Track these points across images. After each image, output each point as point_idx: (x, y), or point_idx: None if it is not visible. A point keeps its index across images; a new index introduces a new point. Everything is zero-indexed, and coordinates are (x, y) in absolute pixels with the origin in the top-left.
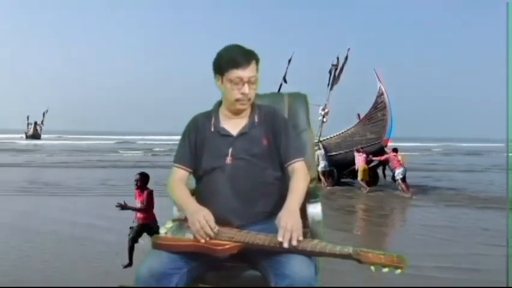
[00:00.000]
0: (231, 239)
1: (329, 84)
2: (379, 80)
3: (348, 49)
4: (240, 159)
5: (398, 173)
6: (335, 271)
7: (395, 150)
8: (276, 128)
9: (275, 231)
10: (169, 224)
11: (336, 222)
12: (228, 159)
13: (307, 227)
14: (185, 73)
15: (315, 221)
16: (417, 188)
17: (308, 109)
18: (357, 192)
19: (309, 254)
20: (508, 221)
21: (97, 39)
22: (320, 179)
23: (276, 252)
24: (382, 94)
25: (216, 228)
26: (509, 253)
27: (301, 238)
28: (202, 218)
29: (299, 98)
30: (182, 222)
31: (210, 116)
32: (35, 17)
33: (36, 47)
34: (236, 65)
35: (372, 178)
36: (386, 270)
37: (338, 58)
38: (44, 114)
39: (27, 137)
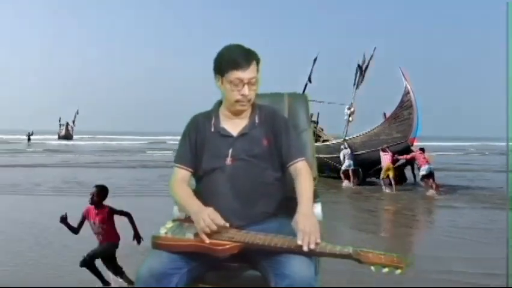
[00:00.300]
0: (231, 239)
1: (354, 84)
2: (405, 78)
3: (375, 48)
4: (240, 160)
5: (423, 169)
6: (335, 271)
7: (421, 149)
8: (276, 129)
9: (275, 231)
10: (169, 224)
11: (359, 223)
12: (228, 160)
13: None
14: None
15: None
16: (449, 188)
17: (308, 109)
18: (382, 191)
19: (309, 254)
20: (508, 221)
21: (129, 39)
22: (340, 178)
23: (276, 252)
24: (408, 93)
25: (224, 223)
26: (509, 253)
27: (319, 241)
28: (206, 217)
29: (299, 98)
30: (182, 222)
31: (210, 116)
32: (63, 18)
33: (66, 48)
34: (236, 66)
35: (398, 177)
36: (386, 270)
37: (364, 57)
38: (75, 115)
39: (60, 138)
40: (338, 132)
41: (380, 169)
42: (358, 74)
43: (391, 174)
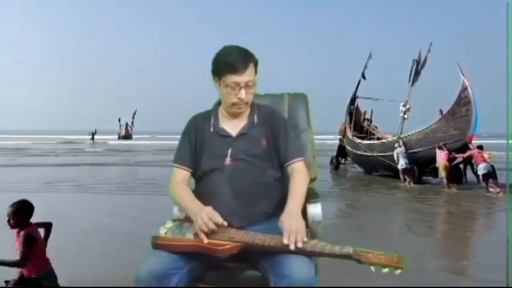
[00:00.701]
0: (231, 239)
1: (410, 80)
2: (462, 74)
3: (431, 43)
4: (239, 160)
5: (481, 168)
6: (335, 271)
7: (480, 147)
8: (275, 129)
9: (275, 231)
10: (169, 224)
11: (413, 224)
12: (227, 160)
13: (307, 227)
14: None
15: (315, 221)
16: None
17: (308, 109)
18: (438, 190)
19: (309, 254)
20: (509, 221)
21: (190, 36)
22: (396, 177)
23: (276, 252)
24: (466, 89)
25: (222, 221)
26: (509, 253)
27: (305, 239)
28: (205, 215)
29: (299, 98)
30: (182, 222)
31: (209, 116)
32: (115, 16)
33: (122, 46)
34: (233, 70)
35: (456, 176)
36: (386, 270)
37: (419, 53)
38: (133, 115)
39: (120, 138)
40: (393, 131)
41: (436, 167)
42: (414, 70)
43: (445, 173)
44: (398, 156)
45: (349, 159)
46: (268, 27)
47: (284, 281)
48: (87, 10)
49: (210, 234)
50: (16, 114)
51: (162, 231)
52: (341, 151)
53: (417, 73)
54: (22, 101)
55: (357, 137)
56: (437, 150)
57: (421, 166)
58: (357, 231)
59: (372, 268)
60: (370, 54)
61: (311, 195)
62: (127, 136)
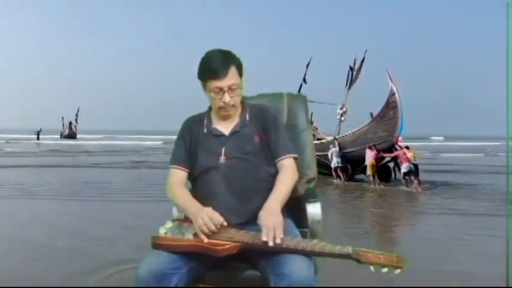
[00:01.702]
0: (230, 239)
1: (347, 85)
2: (391, 80)
3: (366, 51)
4: (233, 158)
5: (403, 167)
6: (335, 271)
7: (406, 147)
8: (266, 125)
9: None
10: (169, 224)
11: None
12: (222, 159)
13: (307, 227)
14: None
15: (315, 221)
16: (431, 185)
17: (307, 109)
18: (367, 187)
19: (309, 254)
20: (509, 220)
21: (135, 35)
22: (332, 175)
23: (276, 252)
24: (394, 94)
25: (222, 221)
26: (509, 253)
27: (282, 235)
28: (205, 215)
29: (298, 98)
30: (181, 222)
31: (202, 118)
32: (64, 16)
33: (67, 46)
34: (214, 76)
35: (385, 174)
36: (385, 270)
37: (355, 60)
38: (77, 114)
39: (64, 137)
40: (332, 132)
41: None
42: (349, 76)
43: (372, 171)
44: (331, 155)
45: None
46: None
47: (284, 281)
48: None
49: (209, 233)
50: None
51: (162, 231)
52: None
53: (352, 79)
54: None
55: None
56: (367, 150)
57: (354, 165)
58: None
59: (372, 268)
60: (309, 61)
61: (310, 195)
62: (71, 135)
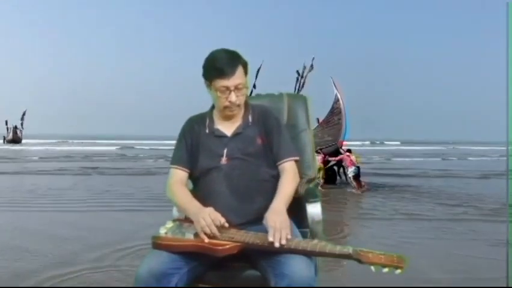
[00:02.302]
0: (231, 239)
1: (295, 90)
2: (335, 87)
3: (313, 58)
4: (235, 159)
5: (350, 171)
6: (335, 271)
7: (348, 150)
8: (268, 127)
9: None
10: (169, 224)
11: None
12: (223, 160)
13: (307, 227)
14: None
15: (315, 221)
16: (373, 186)
17: (308, 110)
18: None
19: (309, 254)
20: (509, 219)
21: (84, 38)
22: None
23: (276, 252)
24: (338, 100)
25: (224, 221)
26: (509, 253)
27: (289, 236)
28: (207, 216)
29: (299, 99)
30: (182, 222)
31: (204, 118)
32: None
33: (15, 46)
34: (221, 75)
35: (330, 177)
36: (386, 270)
37: (304, 66)
38: (23, 117)
39: (7, 142)
40: None
41: None
42: (297, 82)
43: (320, 174)
44: None
45: None
46: None
47: (284, 281)
48: None
49: (210, 234)
50: None
51: (162, 231)
52: None
53: (300, 84)
54: None
55: None
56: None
57: None
58: None
59: (372, 268)
60: (259, 67)
61: (311, 195)
62: (15, 140)
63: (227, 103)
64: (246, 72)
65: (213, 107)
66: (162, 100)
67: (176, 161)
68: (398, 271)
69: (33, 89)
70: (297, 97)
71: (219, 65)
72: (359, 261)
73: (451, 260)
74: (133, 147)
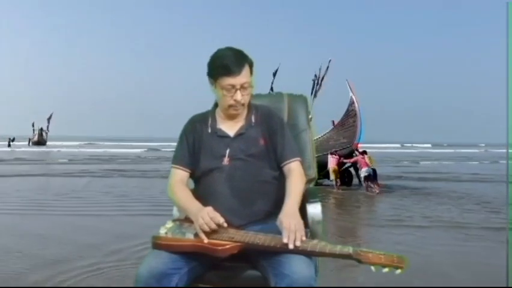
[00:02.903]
0: (231, 239)
1: (312, 93)
2: (351, 90)
3: (330, 61)
4: (237, 159)
5: (362, 171)
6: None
7: (362, 152)
8: (272, 128)
9: (275, 231)
10: (169, 224)
11: None
12: (225, 160)
13: (307, 227)
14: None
15: (315, 221)
16: (389, 188)
17: (308, 110)
18: (329, 190)
19: (309, 254)
20: (509, 220)
21: (104, 41)
22: None
23: (276, 252)
24: (353, 103)
25: (223, 221)
26: (509, 253)
27: (304, 238)
28: (206, 215)
29: (299, 99)
30: (182, 222)
31: (207, 117)
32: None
33: (40, 50)
34: (227, 72)
35: (346, 179)
36: (386, 270)
37: (320, 69)
38: (49, 120)
39: (33, 144)
40: None
41: (328, 171)
42: (314, 85)
43: (335, 175)
44: None
45: None
46: None
47: (284, 281)
48: None
49: (210, 234)
50: None
51: (162, 231)
52: None
53: (317, 87)
54: None
55: None
56: (329, 156)
57: (318, 170)
58: None
59: (373, 268)
60: (276, 70)
61: (311, 195)
62: (41, 142)
63: (232, 102)
64: (251, 72)
65: (215, 106)
66: (193, 101)
67: (177, 160)
68: (398, 271)
69: (61, 91)
70: (297, 97)
71: (226, 63)
72: (359, 261)
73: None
74: (158, 150)
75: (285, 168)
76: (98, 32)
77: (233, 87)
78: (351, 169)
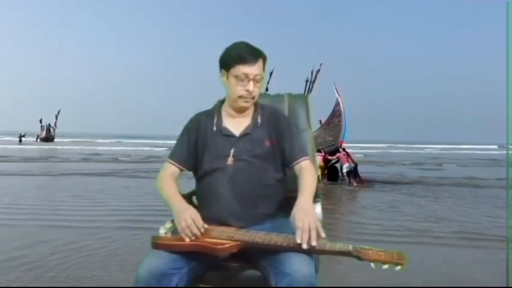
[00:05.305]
0: (230, 238)
1: (304, 94)
2: (337, 91)
3: (321, 64)
4: (241, 160)
5: (345, 167)
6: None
7: (344, 150)
8: (279, 129)
9: (275, 230)
10: (169, 224)
11: None
12: (230, 160)
13: None
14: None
15: None
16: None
17: (308, 110)
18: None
19: (309, 252)
20: (509, 220)
21: (110, 37)
22: None
23: (276, 250)
24: (339, 104)
25: (204, 226)
26: (509, 253)
27: (323, 235)
28: (188, 217)
29: (299, 99)
30: None
31: (212, 114)
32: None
33: (49, 47)
34: (243, 61)
35: (332, 175)
36: (386, 267)
37: (312, 71)
38: (56, 116)
39: (41, 140)
40: None
41: None
42: (306, 87)
43: (320, 171)
44: None
45: None
46: None
47: (284, 280)
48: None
49: (206, 234)
50: None
51: (162, 231)
52: None
53: (309, 90)
54: None
55: None
56: (316, 153)
57: None
58: None
59: (372, 265)
60: (272, 71)
61: None
62: (48, 138)
63: (244, 92)
64: (264, 67)
65: (220, 103)
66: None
67: (173, 156)
68: (398, 268)
69: (69, 88)
70: (298, 97)
71: (243, 52)
72: (359, 258)
73: None
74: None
75: (296, 167)
76: (110, 26)
77: (246, 76)
78: (337, 165)
